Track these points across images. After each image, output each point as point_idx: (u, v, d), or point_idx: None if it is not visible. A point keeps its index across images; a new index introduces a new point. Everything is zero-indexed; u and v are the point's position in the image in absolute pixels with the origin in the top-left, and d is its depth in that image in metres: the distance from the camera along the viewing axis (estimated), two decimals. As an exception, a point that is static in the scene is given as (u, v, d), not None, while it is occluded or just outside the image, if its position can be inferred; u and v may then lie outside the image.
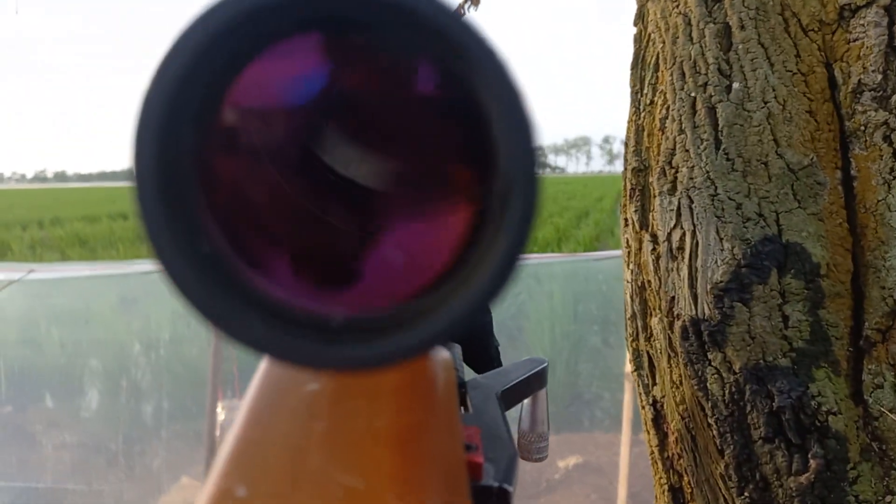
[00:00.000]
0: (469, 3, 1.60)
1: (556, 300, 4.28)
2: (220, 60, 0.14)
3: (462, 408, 0.35)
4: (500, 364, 0.49)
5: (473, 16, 1.62)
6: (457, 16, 0.13)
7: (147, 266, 3.59)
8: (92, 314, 3.78)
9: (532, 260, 4.06)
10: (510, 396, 0.39)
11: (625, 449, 2.40)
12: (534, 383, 0.41)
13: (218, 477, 0.18)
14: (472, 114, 0.14)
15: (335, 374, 0.20)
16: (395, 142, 0.15)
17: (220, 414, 2.51)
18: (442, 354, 0.26)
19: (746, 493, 0.77)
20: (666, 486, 0.90)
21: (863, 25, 0.82)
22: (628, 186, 0.94)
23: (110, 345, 3.63)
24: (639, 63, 0.96)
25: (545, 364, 0.44)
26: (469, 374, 0.46)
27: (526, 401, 0.50)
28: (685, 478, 0.88)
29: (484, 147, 0.15)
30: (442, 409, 0.23)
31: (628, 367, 2.99)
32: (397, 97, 0.15)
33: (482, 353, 0.51)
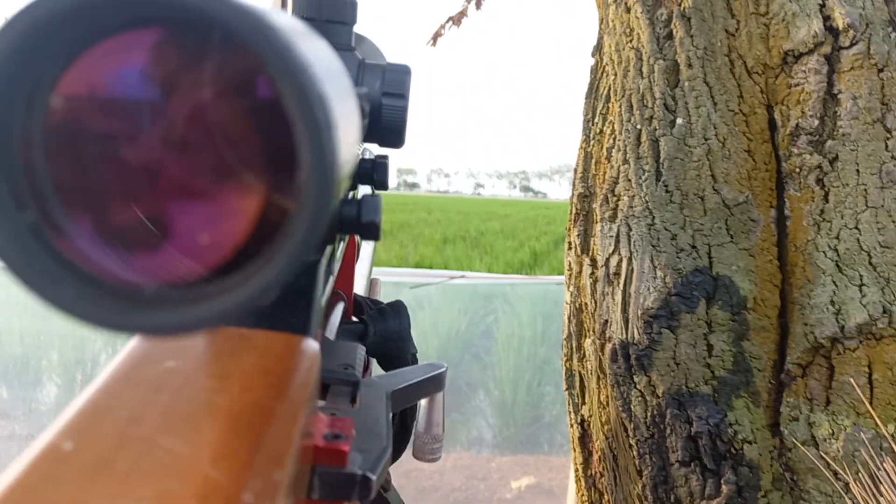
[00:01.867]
0: (451, 24, 1.63)
1: (525, 322, 4.30)
2: (45, 52, 0.16)
3: (351, 403, 0.37)
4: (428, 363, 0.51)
5: (472, 18, 1.64)
6: (260, 24, 0.15)
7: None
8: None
9: (503, 281, 4.08)
10: (402, 397, 0.41)
11: (574, 474, 2.41)
12: (429, 386, 0.43)
13: (51, 433, 0.20)
14: (280, 124, 0.16)
15: (145, 337, 0.22)
16: (206, 136, 0.17)
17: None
18: (311, 350, 0.28)
19: (660, 515, 0.80)
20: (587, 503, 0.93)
21: (804, 72, 0.86)
22: (573, 211, 0.97)
23: (71, 338, 3.59)
24: (592, 93, 0.99)
25: (443, 369, 0.46)
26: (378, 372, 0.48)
27: (423, 403, 0.52)
28: (605, 496, 0.90)
29: (287, 159, 0.17)
30: (291, 398, 0.24)
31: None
32: (222, 99, 0.17)
33: (397, 356, 0.53)
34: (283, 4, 0.35)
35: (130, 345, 0.26)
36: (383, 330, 0.51)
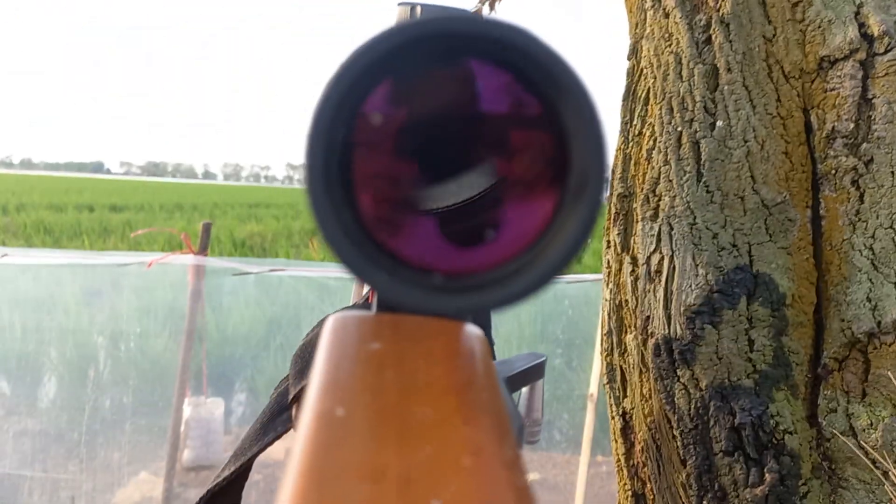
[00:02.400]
0: (486, 2, 1.65)
1: (524, 320, 4.33)
2: (365, 85, 0.19)
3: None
4: (493, 358, 0.54)
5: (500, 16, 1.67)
6: (552, 52, 0.18)
7: (114, 259, 3.58)
8: (55, 303, 3.74)
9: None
10: (513, 383, 0.43)
11: (583, 468, 2.45)
12: (533, 374, 0.46)
13: (316, 401, 0.22)
14: (556, 128, 0.19)
15: (436, 317, 0.24)
16: (503, 151, 0.20)
17: (186, 409, 2.51)
18: (478, 333, 0.31)
19: (705, 502, 0.83)
20: (630, 493, 0.96)
21: (839, 77, 0.89)
22: (612, 211, 1.00)
23: (72, 335, 3.59)
24: (630, 95, 1.02)
25: (544, 358, 0.49)
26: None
27: (524, 390, 0.54)
28: (648, 485, 0.93)
29: (564, 154, 0.19)
30: (487, 373, 0.27)
31: (592, 388, 3.05)
32: (502, 115, 0.20)
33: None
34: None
35: (328, 329, 0.28)
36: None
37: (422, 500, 0.19)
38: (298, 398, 0.55)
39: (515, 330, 4.37)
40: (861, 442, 0.81)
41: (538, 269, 0.19)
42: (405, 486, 0.19)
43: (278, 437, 0.56)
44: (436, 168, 0.20)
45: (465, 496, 0.19)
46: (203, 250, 2.56)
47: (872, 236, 0.85)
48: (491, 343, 0.59)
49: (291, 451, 0.21)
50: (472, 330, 0.31)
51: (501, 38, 0.17)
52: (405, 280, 0.20)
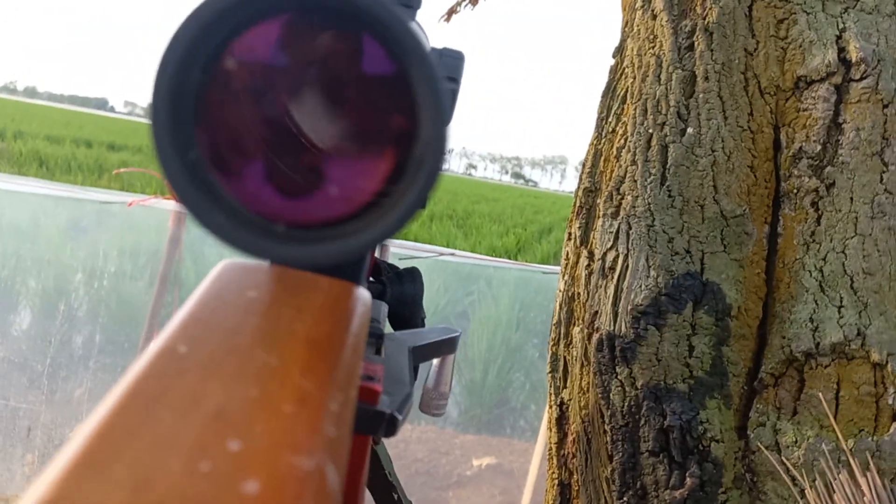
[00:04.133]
0: (467, 2, 1.65)
1: (503, 307, 4.34)
2: (220, 30, 0.19)
3: (376, 353, 0.40)
4: (420, 326, 0.55)
5: (464, 17, 1.66)
6: (399, 17, 0.18)
7: (99, 195, 3.57)
8: (38, 233, 3.73)
9: (486, 262, 4.12)
10: (420, 353, 0.44)
11: (536, 459, 2.47)
12: (443, 347, 0.47)
13: (164, 337, 0.23)
14: (406, 94, 0.20)
15: (279, 266, 0.25)
16: (347, 105, 0.21)
17: (152, 353, 2.53)
18: (364, 296, 0.32)
19: (626, 498, 0.84)
20: (557, 481, 0.97)
21: (813, 98, 0.90)
22: (577, 204, 1.01)
23: (51, 266, 3.59)
24: (609, 92, 1.03)
25: (457, 333, 0.50)
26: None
27: (435, 363, 0.55)
28: (575, 476, 0.94)
29: (410, 121, 0.20)
30: (355, 332, 0.28)
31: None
32: (353, 72, 0.21)
33: (409, 319, 0.57)
34: None
35: (213, 273, 0.29)
36: (399, 293, 0.55)
37: (226, 434, 0.19)
38: None
39: (493, 315, 4.38)
40: (784, 458, 0.82)
41: (373, 229, 0.20)
42: (214, 418, 0.20)
43: None
44: (285, 119, 0.21)
45: (271, 438, 0.20)
46: (187, 198, 2.56)
47: (824, 259, 0.86)
48: (422, 317, 0.60)
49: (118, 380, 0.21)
50: (361, 293, 0.32)
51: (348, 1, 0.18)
52: (245, 225, 0.20)
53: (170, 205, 2.62)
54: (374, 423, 0.33)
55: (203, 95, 0.19)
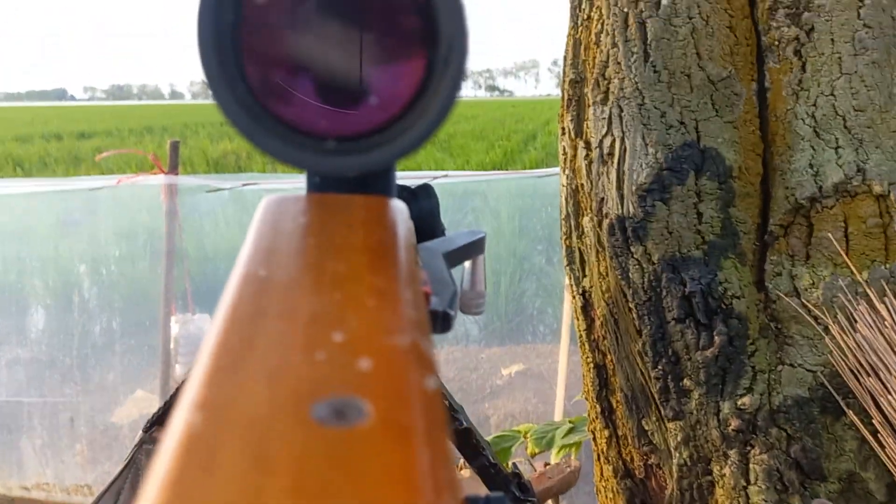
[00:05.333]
0: None
1: (504, 218, 4.37)
2: None
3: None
4: (442, 235, 0.57)
5: None
6: None
7: (85, 183, 3.55)
8: (32, 232, 3.73)
9: (480, 178, 4.12)
10: (453, 258, 0.46)
11: (563, 357, 2.54)
12: (473, 249, 0.49)
13: (241, 266, 0.25)
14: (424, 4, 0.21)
15: (327, 177, 0.27)
16: (373, 18, 0.22)
17: (174, 327, 2.56)
18: (401, 206, 0.34)
19: (660, 367, 0.88)
20: (592, 364, 1.01)
21: (781, -54, 0.89)
22: (565, 97, 1.02)
23: (53, 262, 3.60)
24: (578, -21, 1.02)
25: (483, 234, 0.52)
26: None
27: (467, 265, 0.58)
28: (608, 356, 0.98)
29: (433, 24, 0.21)
30: (406, 237, 0.30)
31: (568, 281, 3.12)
32: None
33: (432, 231, 0.59)
34: None
35: (260, 210, 0.31)
36: (418, 209, 0.56)
37: (328, 330, 0.22)
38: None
39: (496, 227, 4.41)
40: (804, 301, 0.86)
41: (416, 129, 0.22)
42: (312, 322, 0.22)
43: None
44: (319, 40, 0.22)
45: (367, 326, 0.23)
46: (174, 169, 2.55)
47: (814, 104, 0.87)
48: (442, 229, 0.62)
49: (217, 306, 0.24)
50: (397, 204, 0.34)
51: None
52: (298, 145, 0.22)
53: (157, 179, 2.61)
54: (430, 322, 0.36)
55: (242, 28, 0.21)
